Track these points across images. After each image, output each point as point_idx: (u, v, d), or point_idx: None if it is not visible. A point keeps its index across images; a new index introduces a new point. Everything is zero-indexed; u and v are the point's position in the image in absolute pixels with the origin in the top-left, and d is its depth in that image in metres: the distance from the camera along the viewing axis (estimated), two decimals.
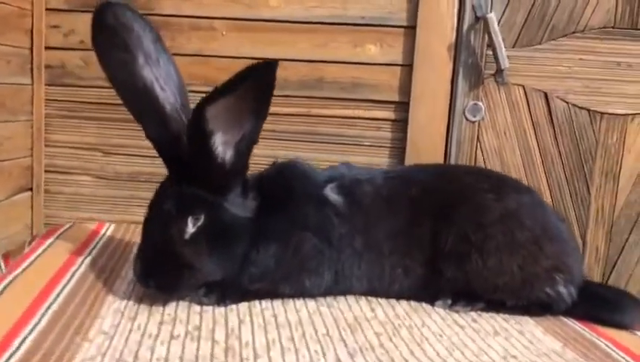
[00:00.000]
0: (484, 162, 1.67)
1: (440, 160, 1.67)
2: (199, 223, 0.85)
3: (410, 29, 1.63)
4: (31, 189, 1.68)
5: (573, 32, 1.63)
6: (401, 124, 1.66)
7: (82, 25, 1.64)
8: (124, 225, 1.11)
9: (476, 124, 1.67)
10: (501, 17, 1.62)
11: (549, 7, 1.61)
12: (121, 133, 1.69)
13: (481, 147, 1.67)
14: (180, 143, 0.85)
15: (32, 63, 1.63)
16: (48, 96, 1.67)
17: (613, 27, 1.62)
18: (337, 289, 0.94)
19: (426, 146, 1.65)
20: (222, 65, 1.66)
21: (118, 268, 0.91)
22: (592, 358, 0.76)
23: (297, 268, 0.90)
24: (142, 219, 1.67)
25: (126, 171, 1.71)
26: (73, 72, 1.67)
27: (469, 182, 0.98)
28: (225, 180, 0.86)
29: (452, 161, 1.66)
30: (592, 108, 1.65)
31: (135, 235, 1.08)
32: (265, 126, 1.71)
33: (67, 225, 1.07)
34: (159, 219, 0.87)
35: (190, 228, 0.84)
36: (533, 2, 1.61)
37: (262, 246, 0.89)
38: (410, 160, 1.65)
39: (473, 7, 1.60)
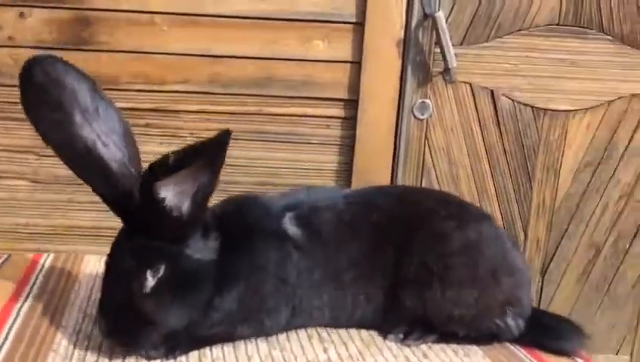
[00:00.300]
0: (432, 160, 1.69)
1: (389, 158, 1.67)
2: (159, 275, 0.81)
3: (359, 25, 1.59)
4: None
5: (519, 30, 1.64)
6: (350, 122, 1.65)
7: (10, 20, 1.52)
8: (64, 254, 1.05)
9: (424, 121, 1.67)
10: (449, 15, 1.61)
11: (495, 5, 1.61)
12: None
13: (429, 145, 1.68)
14: (132, 198, 0.81)
15: None
16: None
17: (557, 25, 1.64)
18: (296, 323, 0.94)
19: (375, 144, 1.65)
20: (164, 62, 1.58)
21: (58, 315, 0.87)
22: None
23: (257, 309, 0.89)
24: (82, 223, 1.64)
25: (63, 174, 1.63)
26: (2, 70, 1.55)
27: (430, 208, 0.97)
28: (183, 230, 0.82)
29: (401, 159, 1.67)
30: (535, 105, 1.68)
31: (76, 264, 1.04)
32: (214, 125, 1.67)
33: (2, 259, 1.01)
34: (117, 276, 0.83)
35: (150, 282, 0.81)
36: (480, 0, 1.61)
37: (225, 290, 0.86)
38: (359, 158, 1.65)
39: (422, 4, 1.58)
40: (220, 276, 0.86)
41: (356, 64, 1.61)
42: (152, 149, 1.61)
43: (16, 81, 1.51)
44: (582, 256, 1.79)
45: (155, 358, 0.83)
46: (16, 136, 1.59)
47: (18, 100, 1.55)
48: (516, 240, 1.72)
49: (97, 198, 1.61)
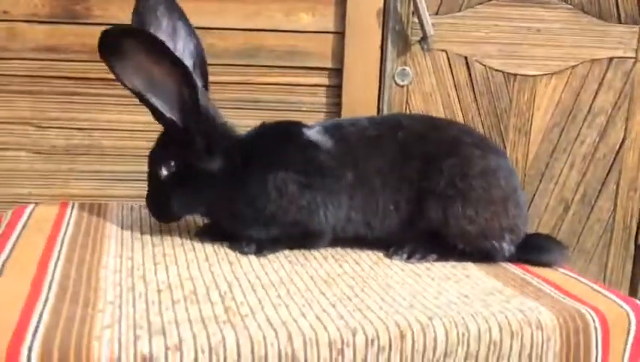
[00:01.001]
0: None
1: None
2: (172, 169, 0.99)
3: None
4: None
5: (489, 0, 1.76)
6: (335, 90, 1.75)
7: None
8: (88, 204, 1.12)
9: (405, 88, 1.78)
10: None
11: None
12: (55, 106, 1.66)
13: (409, 109, 1.80)
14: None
15: None
16: None
17: None
18: (337, 228, 1.02)
19: (359, 110, 1.75)
20: None
21: (99, 245, 0.94)
22: (527, 292, 0.91)
23: (292, 209, 0.98)
24: (82, 192, 1.70)
25: (62, 145, 1.69)
26: None
27: (456, 135, 1.06)
28: (185, 136, 0.97)
29: None
30: (506, 71, 1.81)
31: (101, 212, 1.11)
32: None
33: (31, 207, 1.08)
34: (150, 161, 1.03)
35: (163, 172, 1.00)
36: None
37: (242, 196, 0.99)
38: None
39: None
40: (243, 182, 0.99)
41: (339, 34, 1.71)
42: (147, 118, 1.69)
43: (14, 54, 1.60)
44: (553, 211, 1.93)
45: (247, 253, 0.99)
46: (16, 108, 1.64)
47: (17, 73, 1.62)
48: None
49: (96, 167, 1.70)
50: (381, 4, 1.71)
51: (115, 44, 0.87)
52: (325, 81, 1.75)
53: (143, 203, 1.06)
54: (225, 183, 0.99)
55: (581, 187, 1.92)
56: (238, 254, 0.98)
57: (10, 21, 1.60)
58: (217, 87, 1.67)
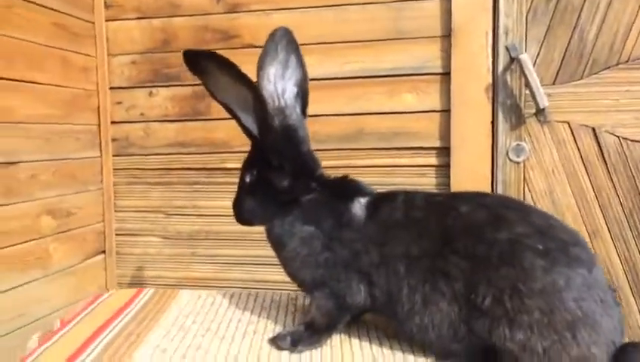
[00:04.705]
0: (534, 203, 1.63)
1: None
2: (252, 178, 1.05)
3: (445, 75, 1.64)
4: (104, 252, 1.85)
5: (617, 65, 1.57)
6: (444, 169, 1.67)
7: (141, 99, 1.81)
8: (160, 290, 1.20)
9: (521, 164, 1.64)
10: (537, 56, 1.60)
11: (587, 43, 1.57)
12: (181, 196, 1.83)
13: (529, 188, 1.64)
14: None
15: (100, 137, 1.83)
16: (115, 166, 1.85)
17: None
18: (368, 303, 0.97)
19: (471, 189, 1.64)
20: None
21: (143, 334, 1.00)
22: None
23: (314, 263, 0.99)
24: (203, 275, 1.82)
25: (186, 230, 1.84)
26: (136, 142, 1.84)
27: (519, 235, 0.87)
28: (260, 150, 1.03)
29: None
30: None
31: (169, 301, 1.18)
32: None
33: (107, 294, 1.19)
34: (241, 166, 1.09)
35: (247, 179, 1.05)
36: (570, 39, 1.58)
37: (280, 227, 1.04)
38: None
39: (507, 48, 1.59)
40: (290, 215, 1.03)
41: (445, 112, 1.65)
42: None
43: (149, 151, 1.82)
44: None
45: (282, 348, 0.98)
46: (150, 198, 1.84)
47: (150, 167, 1.83)
48: (616, 294, 1.57)
49: (216, 251, 1.82)
50: (489, 79, 1.62)
51: (194, 63, 0.95)
52: (433, 161, 1.69)
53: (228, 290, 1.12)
54: (283, 206, 1.03)
55: None
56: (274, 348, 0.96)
57: (145, 122, 1.83)
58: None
